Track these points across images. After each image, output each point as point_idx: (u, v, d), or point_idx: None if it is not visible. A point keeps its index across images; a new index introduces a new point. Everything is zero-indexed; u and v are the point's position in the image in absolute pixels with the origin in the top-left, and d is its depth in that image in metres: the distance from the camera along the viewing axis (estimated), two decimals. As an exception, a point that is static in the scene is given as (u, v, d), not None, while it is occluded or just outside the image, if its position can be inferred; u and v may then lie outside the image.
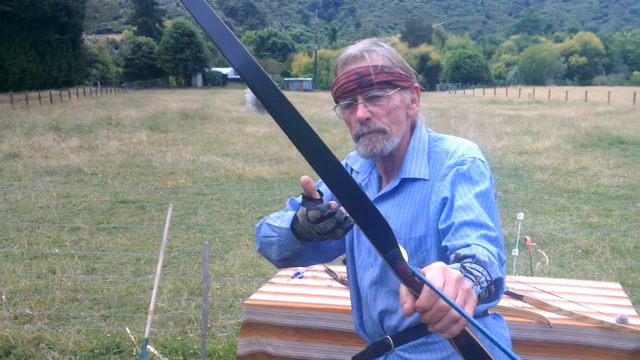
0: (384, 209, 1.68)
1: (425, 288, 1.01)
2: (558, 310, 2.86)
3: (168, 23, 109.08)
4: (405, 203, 1.66)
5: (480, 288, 1.20)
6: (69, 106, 34.58)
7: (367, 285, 1.76)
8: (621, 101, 39.04)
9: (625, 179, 11.69)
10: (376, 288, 1.73)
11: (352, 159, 1.88)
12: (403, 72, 1.65)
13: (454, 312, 1.01)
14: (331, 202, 1.45)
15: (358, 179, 1.82)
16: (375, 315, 1.74)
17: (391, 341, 1.66)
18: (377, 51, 1.62)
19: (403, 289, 1.05)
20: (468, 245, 1.36)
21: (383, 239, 1.08)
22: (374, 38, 1.71)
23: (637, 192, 10.56)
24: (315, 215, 1.45)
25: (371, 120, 1.61)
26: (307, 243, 1.61)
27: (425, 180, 1.64)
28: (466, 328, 1.05)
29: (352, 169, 1.86)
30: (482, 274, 1.24)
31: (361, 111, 1.60)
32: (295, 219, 1.57)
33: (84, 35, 79.38)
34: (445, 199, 1.55)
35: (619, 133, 18.85)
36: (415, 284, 1.04)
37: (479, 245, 1.37)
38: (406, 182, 1.67)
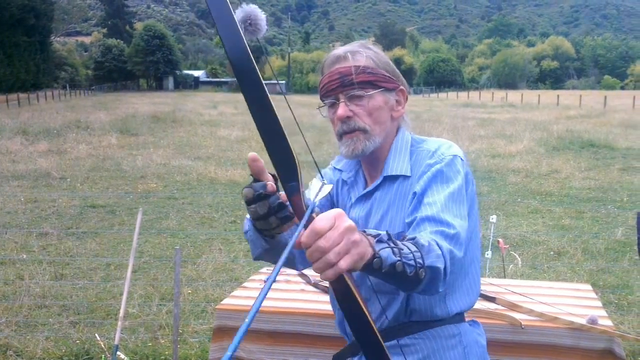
0: (367, 206, 1.71)
1: (310, 225, 1.05)
2: (530, 312, 2.88)
3: (138, 25, 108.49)
4: (386, 199, 1.68)
5: (401, 261, 1.21)
6: (37, 109, 34.09)
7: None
8: (592, 105, 39.75)
9: (596, 182, 11.87)
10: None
11: (337, 159, 1.90)
12: (387, 74, 1.66)
13: (330, 255, 1.04)
14: (269, 183, 1.28)
15: (343, 176, 1.83)
16: None
17: None
18: (361, 52, 1.65)
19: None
20: (421, 235, 1.37)
21: (287, 170, 1.16)
22: (362, 41, 1.74)
23: (608, 194, 10.73)
24: (247, 195, 1.29)
25: (352, 119, 1.63)
26: (269, 239, 1.50)
27: (406, 177, 1.66)
28: (345, 275, 1.09)
29: (335, 168, 1.88)
30: (412, 252, 1.25)
31: (342, 109, 1.63)
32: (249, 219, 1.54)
33: (53, 37, 78.44)
34: (414, 194, 1.57)
35: (590, 136, 19.16)
36: (307, 222, 1.08)
37: (430, 236, 1.38)
38: (388, 179, 1.69)
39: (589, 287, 3.48)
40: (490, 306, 2.96)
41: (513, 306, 2.94)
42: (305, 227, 1.07)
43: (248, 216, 1.59)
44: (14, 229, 8.30)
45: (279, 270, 0.96)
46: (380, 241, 1.21)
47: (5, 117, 27.37)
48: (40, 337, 4.68)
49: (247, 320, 0.85)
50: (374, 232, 1.23)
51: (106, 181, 12.30)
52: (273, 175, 1.31)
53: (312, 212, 1.11)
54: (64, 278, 6.31)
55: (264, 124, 1.16)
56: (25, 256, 6.99)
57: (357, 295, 1.11)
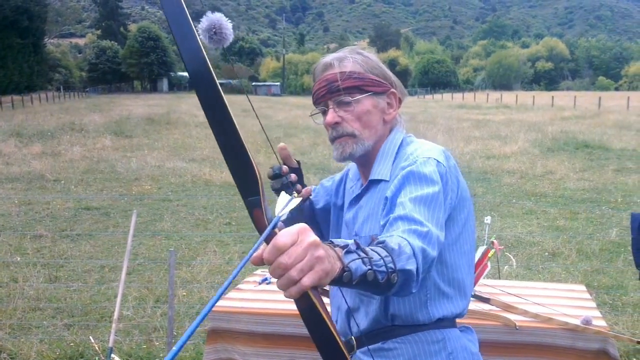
0: (354, 210, 1.74)
1: (272, 241, 1.01)
2: (524, 313, 2.89)
3: (133, 27, 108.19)
4: (369, 203, 1.69)
5: (372, 270, 1.18)
6: (31, 111, 33.99)
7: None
8: (587, 106, 39.89)
9: (591, 183, 11.91)
10: None
11: (351, 169, 1.93)
12: (376, 78, 1.67)
13: (293, 272, 1.00)
14: (284, 166, 1.70)
15: (348, 184, 1.89)
16: (343, 313, 1.75)
17: (354, 342, 1.65)
18: (348, 58, 1.67)
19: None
20: (391, 237, 1.34)
21: (247, 185, 1.15)
22: (353, 46, 1.76)
23: (602, 195, 10.76)
24: (269, 172, 1.66)
25: (340, 124, 1.66)
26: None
27: (386, 181, 1.66)
28: (309, 292, 1.06)
29: (347, 177, 1.94)
30: (382, 258, 1.22)
31: (330, 116, 1.66)
32: None
33: (47, 39, 78.21)
34: (386, 198, 1.56)
35: (585, 137, 19.23)
36: (270, 236, 1.05)
37: (401, 236, 1.34)
38: (372, 183, 1.70)
39: (583, 287, 3.49)
40: (485, 307, 2.97)
41: (507, 307, 2.95)
42: (267, 242, 1.03)
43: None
44: (8, 231, 8.27)
45: (243, 266, 0.97)
46: (348, 252, 1.17)
47: (-1, 119, 27.31)
48: (34, 340, 4.66)
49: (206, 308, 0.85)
50: (341, 242, 1.20)
51: (100, 183, 12.27)
52: (298, 161, 1.79)
53: (274, 227, 1.07)
54: (58, 280, 6.29)
55: (222, 138, 1.13)
56: (19, 258, 6.96)
57: (323, 314, 1.08)
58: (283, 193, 1.23)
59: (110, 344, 3.85)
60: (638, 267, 3.63)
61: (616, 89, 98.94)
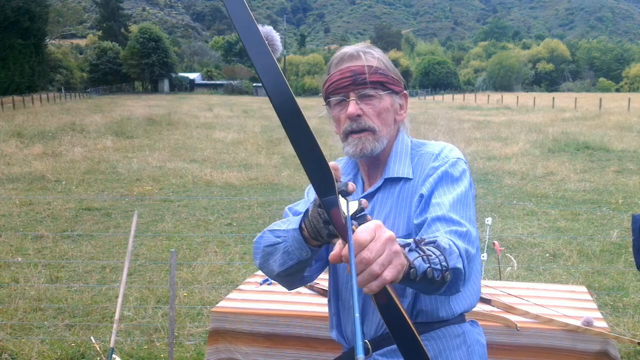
0: (368, 208, 1.68)
1: (353, 237, 1.03)
2: (525, 314, 2.88)
3: (134, 28, 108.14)
4: (388, 202, 1.68)
5: (431, 267, 1.21)
6: (32, 112, 34.02)
7: (349, 288, 1.75)
8: (587, 107, 39.93)
9: (592, 184, 11.90)
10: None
11: (337, 161, 1.89)
12: (395, 77, 1.68)
13: (375, 267, 1.03)
14: (350, 182, 1.27)
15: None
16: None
17: (369, 345, 1.66)
18: (372, 53, 1.66)
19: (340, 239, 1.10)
20: (437, 237, 1.37)
21: (324, 184, 1.15)
22: (366, 42, 1.77)
23: (603, 196, 10.76)
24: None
25: (362, 117, 1.63)
26: (315, 249, 1.48)
27: (408, 179, 1.66)
28: (388, 287, 1.07)
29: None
30: (437, 256, 1.25)
31: (353, 107, 1.62)
32: (305, 214, 1.45)
33: (48, 40, 78.15)
34: (422, 196, 1.57)
35: (586, 138, 19.22)
36: (346, 234, 1.08)
37: (447, 237, 1.38)
38: (389, 181, 1.69)
39: (584, 289, 3.49)
40: (486, 308, 2.96)
41: (509, 308, 2.95)
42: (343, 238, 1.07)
43: (274, 228, 1.60)
44: (9, 231, 8.27)
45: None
46: (410, 250, 1.21)
47: (0, 120, 27.30)
48: (35, 340, 4.66)
49: None
50: (401, 241, 1.22)
51: (101, 184, 12.27)
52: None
53: (352, 225, 1.10)
54: (59, 281, 6.29)
55: (300, 144, 1.14)
56: (20, 259, 6.97)
57: (400, 306, 1.10)
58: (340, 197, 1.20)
59: (112, 344, 3.85)
60: (639, 268, 3.63)
61: (617, 90, 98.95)
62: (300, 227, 1.46)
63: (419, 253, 1.22)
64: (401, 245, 1.18)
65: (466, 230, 1.44)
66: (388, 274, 1.05)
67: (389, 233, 1.07)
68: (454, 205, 1.50)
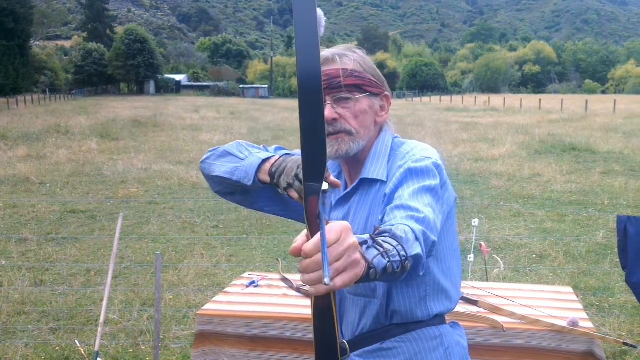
0: (345, 209, 1.71)
1: (316, 236, 1.01)
2: (511, 315, 2.89)
3: (119, 29, 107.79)
4: (363, 203, 1.68)
5: (390, 261, 1.18)
6: (16, 114, 33.74)
7: None
8: (574, 109, 40.22)
9: (578, 185, 11.97)
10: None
11: None
12: (373, 79, 1.68)
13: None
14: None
15: None
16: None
17: (347, 345, 1.66)
18: (349, 56, 1.66)
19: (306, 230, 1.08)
20: (392, 225, 1.34)
21: (314, 169, 1.10)
22: (349, 44, 1.76)
23: (589, 197, 10.82)
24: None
25: (338, 121, 1.64)
26: (258, 184, 1.59)
27: (382, 181, 1.66)
28: (332, 293, 1.06)
29: None
30: (395, 248, 1.23)
31: (328, 111, 1.62)
32: (280, 158, 1.55)
33: (32, 41, 77.40)
34: (384, 195, 1.56)
35: (572, 140, 19.33)
36: (315, 227, 1.05)
37: (402, 223, 1.35)
38: (365, 182, 1.69)
39: (570, 289, 3.50)
40: (472, 309, 2.97)
41: (495, 309, 2.95)
42: (312, 233, 1.04)
43: (245, 145, 1.71)
44: (-7, 234, 8.18)
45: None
46: (368, 247, 1.18)
47: (-16, 121, 27.07)
48: (19, 344, 4.61)
49: None
50: (359, 238, 1.19)
51: (86, 186, 12.18)
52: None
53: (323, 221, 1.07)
54: (44, 284, 6.23)
55: (308, 116, 1.10)
56: (4, 262, 6.89)
57: (335, 317, 1.08)
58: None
59: (97, 348, 3.82)
60: (624, 269, 3.65)
61: (603, 92, 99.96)
62: (267, 159, 1.56)
63: (378, 250, 1.19)
64: (359, 243, 1.15)
65: (424, 216, 1.39)
66: (339, 281, 1.02)
67: (353, 239, 1.05)
68: (413, 194, 1.46)
